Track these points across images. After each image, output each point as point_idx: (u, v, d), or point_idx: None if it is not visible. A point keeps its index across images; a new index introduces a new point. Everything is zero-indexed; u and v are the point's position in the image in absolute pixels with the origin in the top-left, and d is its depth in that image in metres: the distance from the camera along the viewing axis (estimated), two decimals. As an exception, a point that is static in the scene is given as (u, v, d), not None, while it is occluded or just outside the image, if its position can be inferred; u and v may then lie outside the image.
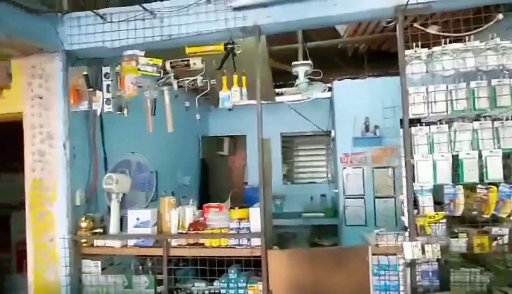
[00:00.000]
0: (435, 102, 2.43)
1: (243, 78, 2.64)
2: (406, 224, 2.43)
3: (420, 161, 2.43)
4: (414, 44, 2.44)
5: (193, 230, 2.68)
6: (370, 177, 5.07)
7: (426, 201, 2.43)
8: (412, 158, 2.44)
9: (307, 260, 2.62)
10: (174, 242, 2.70)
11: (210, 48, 2.61)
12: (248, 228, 2.61)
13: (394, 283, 2.49)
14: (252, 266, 2.61)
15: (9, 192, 3.75)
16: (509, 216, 2.31)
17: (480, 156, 2.37)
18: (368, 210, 5.05)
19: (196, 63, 2.63)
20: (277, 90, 5.90)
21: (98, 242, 2.79)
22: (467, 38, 2.41)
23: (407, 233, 2.42)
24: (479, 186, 2.39)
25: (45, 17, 2.67)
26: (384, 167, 5.06)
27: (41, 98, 2.84)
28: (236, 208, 2.74)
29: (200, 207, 2.89)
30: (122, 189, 2.87)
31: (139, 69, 2.64)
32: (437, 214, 2.40)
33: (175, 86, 2.73)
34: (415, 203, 2.43)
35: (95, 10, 2.74)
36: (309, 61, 3.82)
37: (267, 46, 3.96)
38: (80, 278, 2.79)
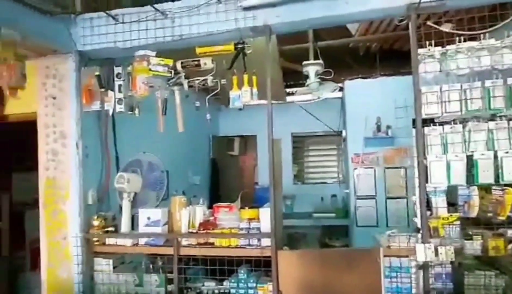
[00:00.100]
0: (449, 101, 2.38)
1: (254, 77, 2.64)
2: (419, 226, 2.39)
3: (433, 161, 2.39)
4: (427, 42, 2.40)
5: (203, 229, 2.69)
6: (381, 177, 5.01)
7: (440, 202, 2.38)
8: (425, 158, 2.40)
9: (318, 261, 2.60)
10: (184, 241, 2.71)
11: (220, 48, 2.61)
12: (258, 228, 2.61)
13: (406, 285, 2.45)
14: (262, 267, 2.60)
15: (23, 190, 3.83)
16: (525, 218, 2.25)
17: (495, 156, 2.31)
18: (380, 211, 4.99)
19: (207, 63, 2.63)
20: (288, 90, 5.87)
21: (109, 240, 2.83)
22: (482, 36, 2.36)
23: (419, 235, 2.38)
24: (494, 187, 2.34)
25: (58, 19, 2.71)
26: (396, 168, 4.99)
27: (54, 98, 2.89)
28: (246, 208, 2.74)
29: (210, 206, 2.90)
30: (133, 188, 2.89)
31: (150, 69, 2.66)
32: (451, 215, 2.36)
33: (186, 86, 2.74)
34: (428, 204, 2.39)
35: (107, 11, 2.76)
36: (320, 61, 3.79)
37: (278, 45, 3.94)
38: (92, 276, 2.82)
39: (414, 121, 2.43)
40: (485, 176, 2.31)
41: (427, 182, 2.38)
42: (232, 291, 2.63)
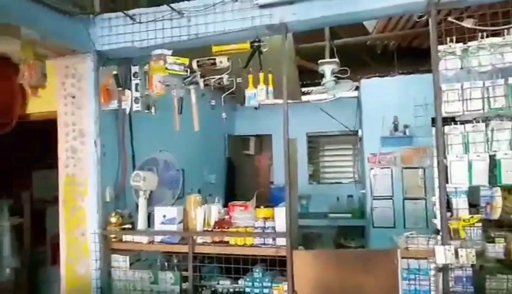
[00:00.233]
0: (470, 99, 2.31)
1: (269, 76, 2.62)
2: (439, 227, 2.32)
3: (454, 161, 2.32)
4: (448, 38, 2.33)
5: (218, 228, 2.69)
6: (399, 177, 4.93)
7: (461, 203, 2.32)
8: (445, 158, 2.33)
9: (334, 261, 2.57)
10: (199, 240, 2.71)
11: (236, 46, 2.60)
12: (273, 228, 2.59)
13: (425, 288, 2.39)
14: (277, 266, 2.58)
15: (44, 187, 3.92)
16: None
17: (520, 156, 2.23)
18: (397, 212, 4.91)
19: (222, 61, 2.63)
20: (303, 90, 5.84)
21: (126, 237, 2.86)
22: (505, 31, 2.28)
23: (439, 237, 2.31)
24: (518, 188, 2.26)
25: (77, 19, 2.75)
26: (414, 168, 4.90)
27: (73, 97, 2.94)
28: (262, 207, 2.72)
29: (225, 205, 2.90)
30: (149, 187, 2.92)
31: (166, 68, 2.68)
32: (472, 217, 2.29)
33: (202, 85, 2.75)
34: (448, 205, 2.33)
35: (125, 11, 2.80)
36: (336, 59, 3.74)
37: (294, 44, 3.92)
38: (109, 272, 2.87)
39: (433, 120, 2.37)
40: (509, 176, 2.24)
41: (447, 182, 2.32)
42: (247, 290, 2.62)
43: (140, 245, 2.83)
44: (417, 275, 2.41)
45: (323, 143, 6.66)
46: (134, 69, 2.89)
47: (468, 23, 2.39)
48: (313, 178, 6.50)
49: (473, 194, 2.36)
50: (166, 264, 2.86)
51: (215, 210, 2.80)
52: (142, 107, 2.89)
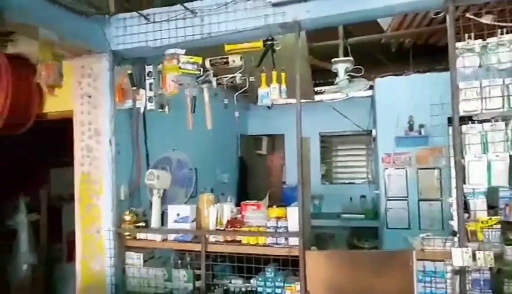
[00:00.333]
0: (489, 97, 2.25)
1: (282, 75, 2.61)
2: (455, 229, 2.27)
3: (472, 161, 2.26)
4: (466, 35, 2.27)
5: (231, 227, 2.69)
6: (414, 178, 4.84)
7: (479, 205, 2.26)
8: (463, 158, 2.28)
9: (347, 262, 2.54)
10: (212, 238, 2.73)
11: (249, 45, 2.59)
12: (286, 227, 2.58)
13: (441, 290, 2.34)
14: (290, 266, 2.57)
15: (60, 185, 3.99)
16: None
17: (541, 156, 2.16)
18: (412, 213, 4.82)
19: (235, 60, 2.63)
20: (316, 89, 5.80)
21: (140, 235, 2.89)
22: (527, 28, 2.22)
23: (456, 238, 2.26)
24: (539, 189, 2.20)
25: (93, 19, 2.80)
26: (430, 168, 4.80)
27: (89, 96, 2.99)
28: (274, 206, 2.72)
29: (238, 204, 2.90)
30: (163, 185, 2.95)
31: (180, 68, 2.69)
32: (490, 218, 2.23)
33: (214, 84, 2.75)
34: (465, 207, 2.27)
35: (139, 11, 2.83)
36: (350, 58, 3.70)
37: (307, 43, 3.89)
38: (123, 269, 2.90)
39: (450, 119, 2.32)
40: (530, 177, 2.17)
41: (464, 183, 2.26)
42: (260, 289, 2.62)
43: (154, 243, 2.86)
44: (433, 278, 2.36)
45: (336, 143, 6.60)
46: (148, 68, 2.92)
47: (487, 19, 2.33)
48: (326, 178, 6.46)
49: (491, 195, 2.30)
50: (179, 262, 2.88)
51: (228, 209, 2.80)
52: (156, 106, 2.92)
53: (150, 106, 2.91)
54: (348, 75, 3.68)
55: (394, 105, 4.82)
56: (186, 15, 2.74)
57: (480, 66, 2.28)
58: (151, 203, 2.97)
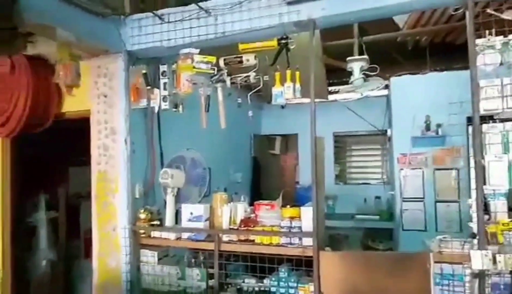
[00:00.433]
0: (511, 96, 2.18)
1: (297, 73, 2.59)
2: (475, 231, 2.21)
3: (492, 161, 2.20)
4: (487, 32, 2.21)
5: (244, 226, 2.69)
6: (430, 179, 4.73)
7: (499, 206, 2.19)
8: (483, 158, 2.21)
9: (362, 263, 2.51)
10: (225, 237, 2.73)
11: (263, 44, 2.59)
12: (300, 227, 2.56)
13: (459, 294, 2.28)
14: (303, 266, 2.55)
15: (79, 183, 4.07)
16: None
17: None
18: (428, 215, 4.72)
19: (249, 59, 2.62)
20: (330, 89, 5.75)
21: (155, 233, 2.92)
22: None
23: (475, 241, 2.20)
24: None
25: (109, 20, 2.84)
26: (447, 169, 4.69)
27: (105, 96, 3.03)
28: (288, 206, 2.70)
29: (251, 204, 2.90)
30: (177, 184, 2.97)
31: (194, 67, 2.71)
32: (511, 221, 2.16)
33: (228, 83, 2.75)
34: (485, 208, 2.21)
35: (154, 11, 2.85)
36: (365, 56, 3.65)
37: (321, 41, 3.86)
38: (138, 266, 2.93)
39: (469, 118, 2.26)
40: (553, 178, 2.10)
41: (484, 184, 2.20)
42: (273, 289, 2.60)
43: (168, 241, 2.88)
44: (451, 281, 2.31)
45: (350, 143, 6.53)
46: (163, 68, 2.95)
47: (508, 15, 2.26)
48: (340, 179, 6.39)
49: (513, 196, 2.23)
50: (193, 260, 2.90)
51: (241, 208, 2.80)
52: (170, 106, 2.94)
53: (165, 105, 2.94)
54: (363, 74, 3.63)
55: (411, 104, 4.73)
56: (200, 14, 2.75)
57: (501, 63, 2.21)
58: (165, 202, 2.99)
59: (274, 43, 2.57)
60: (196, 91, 2.81)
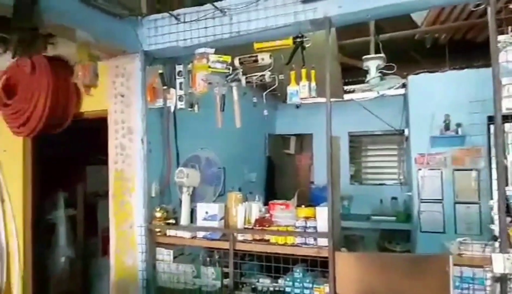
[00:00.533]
0: (535, 94, 2.11)
1: (312, 72, 2.57)
2: (497, 233, 2.14)
3: (515, 161, 2.13)
4: (509, 28, 2.14)
5: (259, 226, 2.68)
6: (449, 180, 4.63)
7: (523, 208, 2.12)
8: (505, 158, 2.15)
9: (378, 265, 2.46)
10: (240, 237, 2.72)
11: (279, 42, 2.57)
12: (315, 228, 2.53)
13: (480, 298, 2.22)
14: (319, 267, 2.53)
15: (96, 182, 4.15)
16: None
17: None
18: (447, 216, 4.62)
19: (264, 58, 2.61)
20: (345, 88, 5.69)
21: (170, 232, 2.94)
22: None
23: (497, 244, 2.14)
24: None
25: (126, 21, 2.87)
26: (467, 170, 4.58)
27: (122, 96, 3.07)
28: (303, 206, 2.68)
29: (266, 204, 2.89)
30: (192, 183, 2.99)
31: (209, 67, 2.72)
32: (535, 223, 2.09)
33: (243, 82, 2.75)
34: (508, 210, 2.14)
35: (170, 12, 2.88)
36: (382, 55, 3.60)
37: (337, 40, 3.82)
38: (154, 264, 2.96)
39: (490, 117, 2.19)
40: None
41: (507, 185, 2.13)
42: (288, 289, 2.59)
43: (183, 240, 2.89)
44: (471, 284, 2.25)
45: (366, 143, 6.45)
46: (179, 68, 2.97)
47: (533, 11, 2.19)
48: (355, 179, 6.32)
49: (538, 198, 2.15)
50: (208, 259, 2.91)
51: (256, 208, 2.79)
52: (186, 105, 2.96)
53: (180, 105, 2.96)
54: (380, 72, 3.58)
55: (429, 103, 4.64)
56: (215, 14, 2.76)
57: (525, 60, 2.14)
58: (180, 201, 3.01)
59: (289, 41, 2.55)
60: (211, 91, 2.82)
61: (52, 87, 2.96)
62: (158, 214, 2.95)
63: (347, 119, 5.57)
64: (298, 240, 2.56)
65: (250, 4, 2.64)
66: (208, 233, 2.82)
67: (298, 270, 2.58)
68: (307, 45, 2.53)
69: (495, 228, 2.17)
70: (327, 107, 2.49)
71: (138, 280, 2.94)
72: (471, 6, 2.34)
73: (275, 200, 2.83)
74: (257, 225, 2.69)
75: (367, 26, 3.81)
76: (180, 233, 2.91)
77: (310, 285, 2.53)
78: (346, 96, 5.71)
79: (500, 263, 2.02)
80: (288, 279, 2.60)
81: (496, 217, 2.15)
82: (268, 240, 2.64)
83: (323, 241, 2.47)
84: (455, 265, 2.24)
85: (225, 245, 2.73)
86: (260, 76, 2.68)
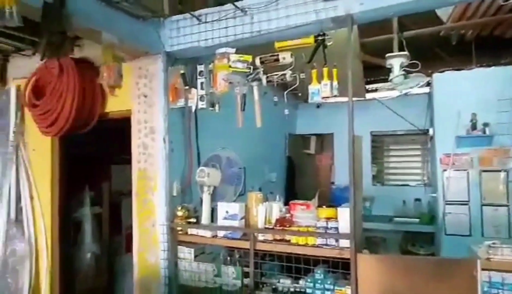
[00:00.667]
0: None
1: (334, 70, 2.54)
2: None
3: (549, 162, 2.03)
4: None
5: (280, 226, 2.67)
6: (476, 181, 4.47)
7: (557, 211, 2.02)
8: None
9: (402, 268, 2.41)
10: (260, 237, 2.72)
11: (300, 41, 2.56)
12: (336, 228, 2.50)
13: (510, 304, 2.13)
14: (340, 268, 2.49)
15: (121, 181, 4.24)
16: None
17: None
18: (474, 219, 4.46)
19: (285, 57, 2.60)
20: (367, 87, 5.60)
21: (191, 230, 2.97)
22: None
23: (529, 248, 2.05)
24: None
25: (149, 22, 2.93)
26: (495, 171, 4.41)
27: (145, 96, 3.13)
28: (324, 206, 2.65)
29: (286, 204, 2.87)
30: (213, 182, 3.01)
31: (230, 66, 2.73)
32: None
33: (264, 82, 2.75)
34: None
35: (191, 12, 2.91)
36: (406, 52, 3.51)
37: (359, 38, 3.76)
38: (176, 262, 3.00)
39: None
40: None
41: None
42: (308, 291, 2.56)
43: (204, 239, 2.92)
44: (500, 290, 2.17)
45: (388, 143, 6.32)
46: (200, 68, 2.99)
47: None
48: (377, 179, 6.20)
49: None
50: (228, 258, 2.92)
51: (276, 208, 2.78)
52: (207, 105, 2.98)
53: (202, 104, 2.98)
54: (404, 70, 3.49)
55: (455, 102, 4.50)
56: (236, 14, 2.77)
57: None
58: (201, 200, 3.04)
59: (310, 40, 2.53)
60: (232, 90, 2.83)
61: (78, 88, 3.05)
62: (179, 213, 2.99)
63: (369, 118, 5.47)
64: (319, 241, 2.53)
65: (271, 3, 2.63)
66: (229, 233, 2.83)
67: (319, 271, 2.56)
68: (328, 44, 2.50)
69: (527, 231, 2.08)
70: (349, 106, 2.46)
71: (160, 277, 2.98)
72: (500, 0, 2.25)
73: (295, 200, 2.82)
74: (277, 225, 2.68)
75: (390, 23, 3.73)
76: (201, 232, 2.93)
77: (332, 287, 2.50)
78: (369, 95, 5.61)
79: (532, 268, 1.94)
80: (309, 280, 2.58)
81: (527, 220, 2.07)
82: (288, 241, 2.63)
83: (344, 242, 2.44)
84: (483, 269, 2.17)
85: (246, 244, 2.73)
86: (281, 75, 2.66)
